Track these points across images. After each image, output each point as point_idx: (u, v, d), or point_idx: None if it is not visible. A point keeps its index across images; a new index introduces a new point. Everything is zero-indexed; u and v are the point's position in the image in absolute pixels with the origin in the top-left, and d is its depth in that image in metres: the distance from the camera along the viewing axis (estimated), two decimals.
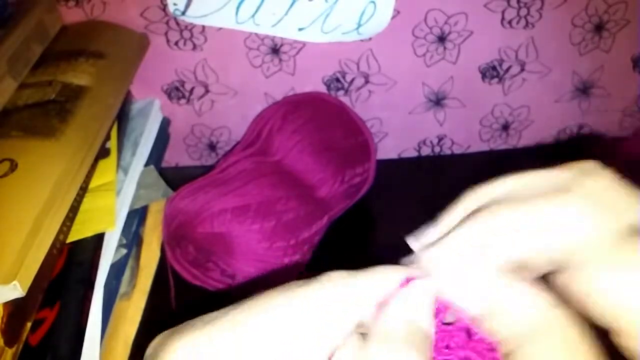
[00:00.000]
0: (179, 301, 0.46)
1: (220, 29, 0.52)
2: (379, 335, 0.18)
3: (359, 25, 0.51)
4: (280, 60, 0.54)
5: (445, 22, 0.52)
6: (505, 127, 0.60)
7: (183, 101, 0.57)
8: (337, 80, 0.56)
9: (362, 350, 0.18)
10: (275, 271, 0.44)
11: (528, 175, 0.21)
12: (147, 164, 0.50)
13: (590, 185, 0.19)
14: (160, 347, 0.18)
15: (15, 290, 0.30)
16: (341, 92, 0.56)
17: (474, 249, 0.19)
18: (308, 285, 0.18)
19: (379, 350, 0.18)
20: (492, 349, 0.19)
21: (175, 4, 0.50)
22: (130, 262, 0.46)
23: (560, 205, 0.19)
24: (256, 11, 0.50)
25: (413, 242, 0.21)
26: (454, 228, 0.20)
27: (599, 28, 0.53)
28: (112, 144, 0.46)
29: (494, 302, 0.18)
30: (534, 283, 0.19)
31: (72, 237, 0.39)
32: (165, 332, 0.18)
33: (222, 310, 0.18)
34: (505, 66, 0.55)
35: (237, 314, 0.18)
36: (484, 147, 0.61)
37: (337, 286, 0.18)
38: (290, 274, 0.45)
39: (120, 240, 0.44)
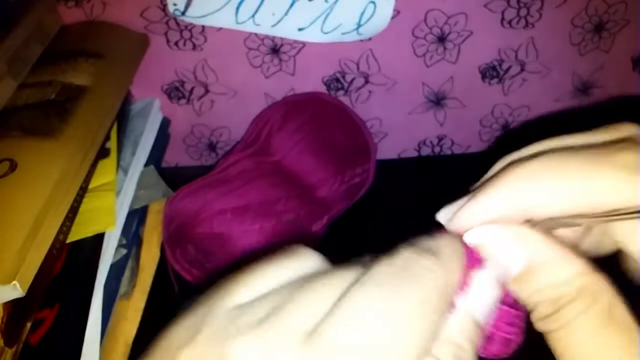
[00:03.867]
0: (179, 301, 0.46)
1: (220, 29, 0.52)
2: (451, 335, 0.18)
3: (359, 25, 0.51)
4: (280, 60, 0.54)
5: (445, 22, 0.52)
6: (505, 127, 0.60)
7: (183, 101, 0.57)
8: (337, 80, 0.56)
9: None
10: None
11: (563, 140, 0.21)
12: (147, 164, 0.50)
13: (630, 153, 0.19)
14: None
15: (15, 290, 0.30)
16: (341, 92, 0.56)
17: (510, 209, 0.19)
18: (407, 275, 0.18)
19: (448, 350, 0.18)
20: (512, 323, 0.19)
21: (175, 4, 0.50)
22: (130, 262, 0.46)
23: (603, 169, 0.19)
24: (256, 11, 0.50)
25: (444, 215, 0.21)
26: (485, 191, 0.20)
27: (599, 28, 0.53)
28: (112, 144, 0.46)
29: (536, 259, 0.19)
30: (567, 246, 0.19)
31: (72, 237, 0.39)
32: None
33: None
34: (505, 66, 0.55)
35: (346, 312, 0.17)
36: (484, 147, 0.61)
37: (430, 277, 0.18)
38: None
39: (120, 240, 0.44)
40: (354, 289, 0.17)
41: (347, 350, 0.16)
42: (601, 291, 0.18)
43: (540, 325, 0.18)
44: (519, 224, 0.19)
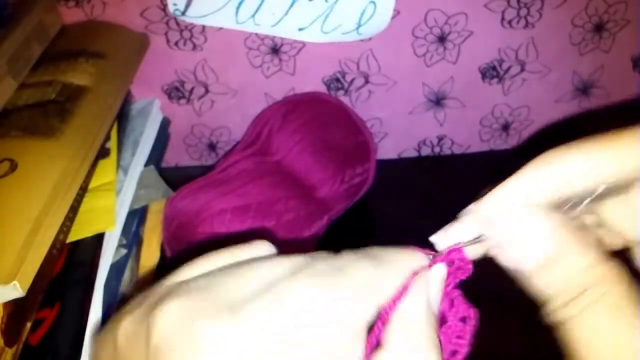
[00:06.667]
0: None
1: (220, 29, 0.52)
2: (400, 330, 0.18)
3: (359, 25, 0.51)
4: (280, 60, 0.54)
5: (445, 22, 0.52)
6: (505, 127, 0.60)
7: (183, 101, 0.57)
8: (337, 80, 0.56)
9: (384, 347, 0.18)
10: None
11: None
12: (147, 164, 0.50)
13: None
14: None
15: (15, 290, 0.30)
16: (341, 92, 0.56)
17: (543, 189, 0.20)
18: (334, 274, 0.19)
19: (400, 347, 0.18)
20: (461, 337, 0.20)
21: (175, 4, 0.50)
22: (130, 262, 0.46)
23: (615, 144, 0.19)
24: (256, 11, 0.50)
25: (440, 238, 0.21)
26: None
27: (599, 28, 0.53)
28: (112, 144, 0.46)
29: (559, 248, 0.19)
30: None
31: (72, 237, 0.39)
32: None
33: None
34: (505, 66, 0.55)
35: (269, 297, 0.18)
36: (484, 147, 0.61)
37: (362, 275, 0.19)
38: None
39: (120, 240, 0.44)
40: (287, 279, 0.19)
41: (259, 328, 0.17)
42: (615, 279, 0.18)
43: (556, 315, 0.18)
44: (548, 207, 0.19)
